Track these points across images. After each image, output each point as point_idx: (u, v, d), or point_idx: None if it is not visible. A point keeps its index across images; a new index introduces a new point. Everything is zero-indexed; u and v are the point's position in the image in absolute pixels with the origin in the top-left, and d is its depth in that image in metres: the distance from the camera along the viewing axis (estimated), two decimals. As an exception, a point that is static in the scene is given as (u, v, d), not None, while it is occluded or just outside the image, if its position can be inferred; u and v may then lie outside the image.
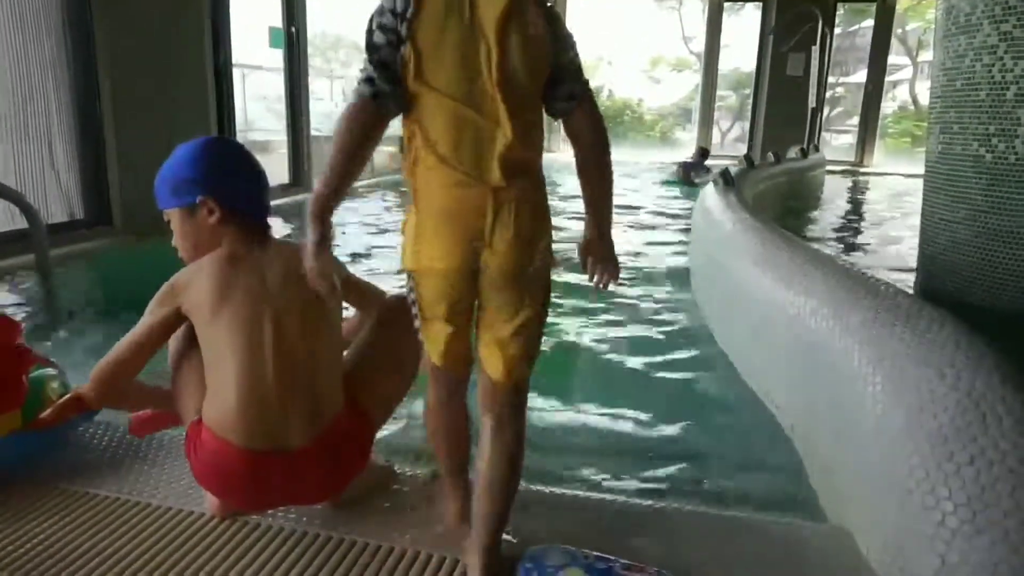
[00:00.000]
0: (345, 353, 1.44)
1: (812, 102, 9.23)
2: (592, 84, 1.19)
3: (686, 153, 12.24)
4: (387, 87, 1.06)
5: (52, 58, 3.98)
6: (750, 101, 11.77)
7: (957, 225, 3.42)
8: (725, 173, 4.24)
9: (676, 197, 7.89)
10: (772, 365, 2.10)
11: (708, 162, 9.76)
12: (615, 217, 1.21)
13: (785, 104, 10.43)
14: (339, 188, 1.10)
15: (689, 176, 8.85)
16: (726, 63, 12.57)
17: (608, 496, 1.48)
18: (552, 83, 1.11)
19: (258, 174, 1.40)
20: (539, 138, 1.13)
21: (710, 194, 3.92)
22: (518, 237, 1.09)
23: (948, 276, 3.50)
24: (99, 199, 4.27)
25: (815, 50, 9.40)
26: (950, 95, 3.42)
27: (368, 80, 1.06)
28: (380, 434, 1.54)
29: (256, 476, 1.25)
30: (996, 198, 3.23)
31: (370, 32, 1.08)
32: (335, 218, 1.12)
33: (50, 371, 1.66)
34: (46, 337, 2.87)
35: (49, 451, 1.54)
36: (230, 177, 1.34)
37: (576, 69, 1.13)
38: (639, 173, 9.88)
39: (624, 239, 5.36)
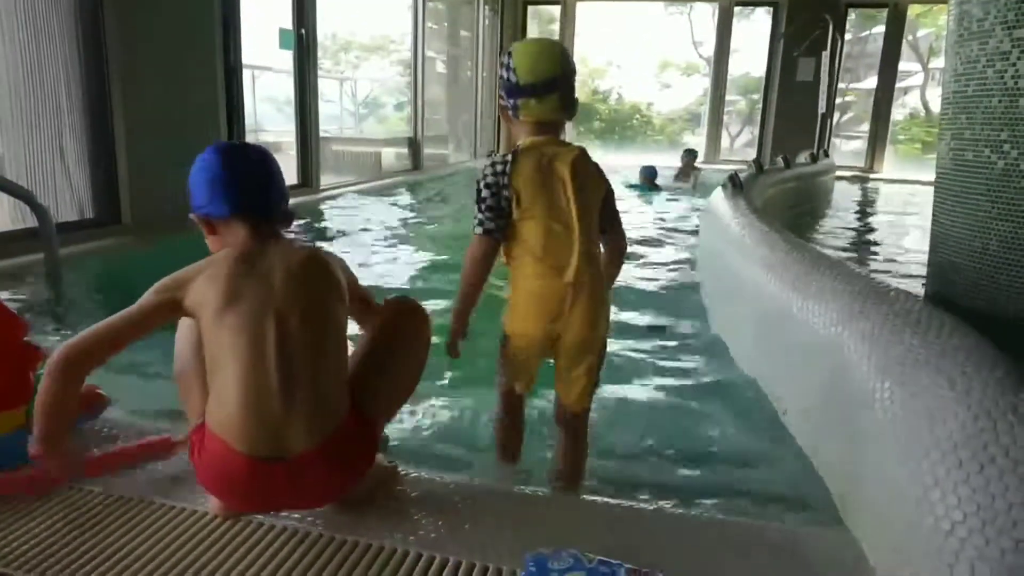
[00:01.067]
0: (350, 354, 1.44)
1: (822, 107, 9.19)
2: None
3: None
4: (494, 224, 1.52)
5: (63, 57, 4.01)
6: (759, 106, 11.75)
7: (967, 232, 3.39)
8: (734, 177, 4.22)
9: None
10: (780, 369, 2.09)
11: (699, 162, 9.59)
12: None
13: (795, 109, 10.39)
14: (472, 305, 1.59)
15: (652, 180, 8.60)
16: (736, 68, 12.54)
17: (612, 500, 1.47)
18: (602, 210, 1.60)
19: (261, 178, 1.38)
20: (599, 246, 1.59)
21: (718, 198, 3.90)
22: (586, 317, 1.52)
23: (957, 283, 3.47)
24: (109, 198, 4.29)
25: (825, 55, 9.36)
26: (961, 101, 3.39)
27: (481, 223, 1.53)
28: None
29: (259, 481, 1.24)
30: (1007, 206, 3.21)
31: (479, 190, 1.54)
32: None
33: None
34: (54, 335, 2.88)
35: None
36: (225, 189, 1.34)
37: (613, 201, 1.64)
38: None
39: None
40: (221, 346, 1.25)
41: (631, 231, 5.63)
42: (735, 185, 4.07)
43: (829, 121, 9.87)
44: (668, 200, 8.08)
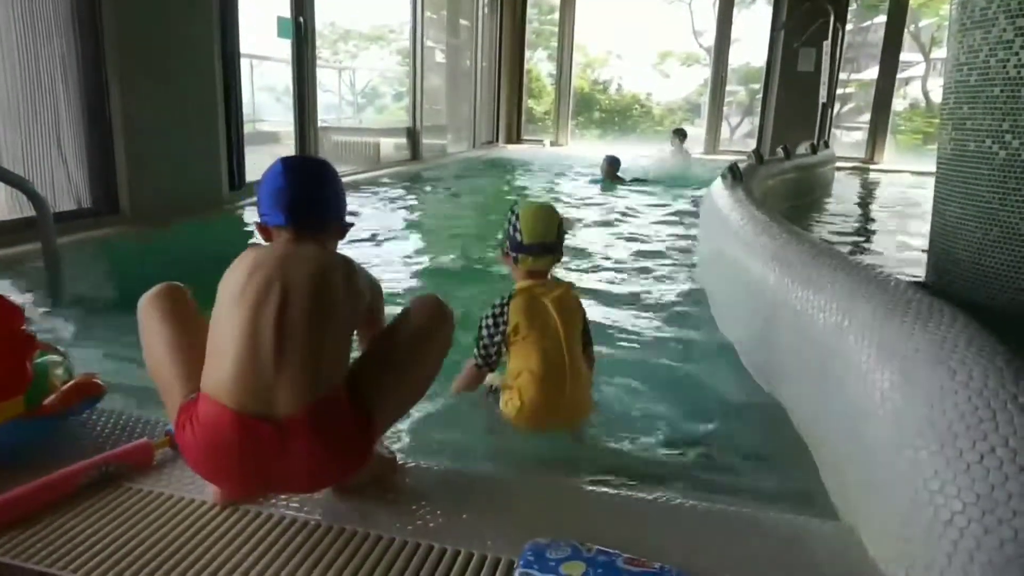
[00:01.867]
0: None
1: (823, 97, 9.13)
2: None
3: (693, 148, 12.04)
4: (484, 363, 1.93)
5: (60, 45, 3.98)
6: (760, 96, 11.69)
7: (967, 222, 3.38)
8: (733, 167, 4.20)
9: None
10: (780, 360, 2.08)
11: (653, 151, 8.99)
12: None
13: (795, 100, 10.34)
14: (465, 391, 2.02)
15: (614, 173, 7.93)
16: (736, 58, 12.48)
17: (611, 489, 1.47)
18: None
19: (316, 193, 1.46)
20: (582, 359, 1.93)
21: (718, 189, 3.89)
22: (580, 409, 1.94)
23: (957, 274, 3.47)
24: (106, 188, 4.27)
25: (826, 45, 9.31)
26: (964, 91, 3.38)
27: (475, 358, 1.94)
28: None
29: (247, 444, 1.24)
30: (1008, 195, 3.20)
31: (480, 328, 1.91)
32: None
33: (55, 357, 1.67)
34: (52, 325, 2.87)
35: (51, 437, 1.54)
36: (282, 201, 1.43)
37: (587, 324, 2.00)
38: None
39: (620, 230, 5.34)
40: (227, 307, 1.29)
41: (599, 233, 5.50)
42: (735, 175, 4.06)
43: (829, 111, 9.82)
44: (635, 192, 7.54)
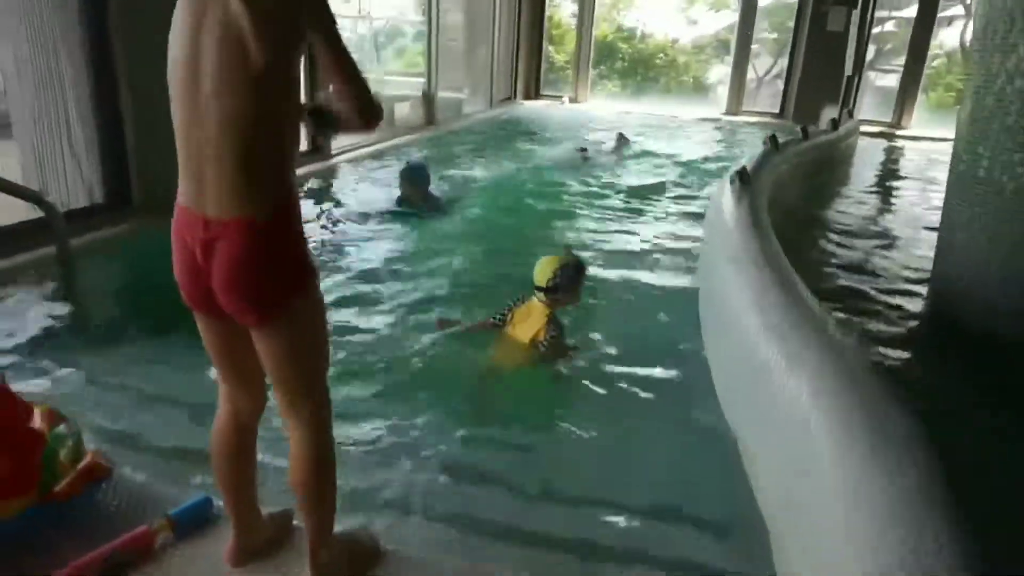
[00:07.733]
0: None
1: (848, 70, 8.72)
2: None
3: (717, 109, 11.53)
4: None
5: (67, 40, 3.95)
6: (788, 50, 11.20)
7: (975, 253, 3.33)
8: (742, 172, 4.09)
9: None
10: (737, 394, 2.15)
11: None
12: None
13: (823, 62, 9.90)
14: None
15: (423, 191, 4.99)
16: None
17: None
18: None
19: None
20: None
21: (726, 198, 3.74)
22: None
23: (960, 300, 3.44)
24: (118, 180, 4.28)
25: (855, 15, 8.72)
26: (980, 117, 3.28)
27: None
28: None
29: (185, 231, 1.30)
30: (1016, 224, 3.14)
31: None
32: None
33: (62, 432, 1.73)
34: (71, 338, 2.88)
35: (64, 521, 1.64)
36: None
37: None
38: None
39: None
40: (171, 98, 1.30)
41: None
42: (743, 180, 3.97)
43: (856, 82, 9.38)
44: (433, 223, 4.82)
